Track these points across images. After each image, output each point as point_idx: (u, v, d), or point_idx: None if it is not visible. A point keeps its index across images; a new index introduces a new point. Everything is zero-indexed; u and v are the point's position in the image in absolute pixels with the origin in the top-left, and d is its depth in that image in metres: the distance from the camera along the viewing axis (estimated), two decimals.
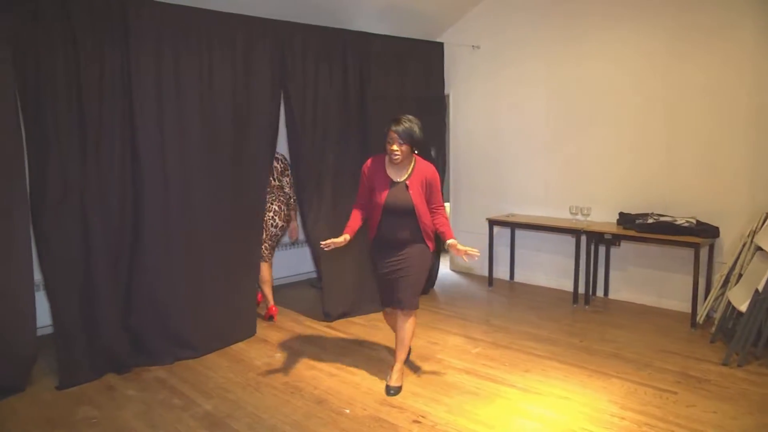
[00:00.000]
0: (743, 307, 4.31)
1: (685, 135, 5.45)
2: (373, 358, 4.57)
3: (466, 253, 3.61)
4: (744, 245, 4.92)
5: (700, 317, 5.12)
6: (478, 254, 3.60)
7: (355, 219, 3.95)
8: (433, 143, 6.40)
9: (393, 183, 3.83)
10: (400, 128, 3.70)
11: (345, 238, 3.81)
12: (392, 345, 4.57)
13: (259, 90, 4.91)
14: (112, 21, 4.09)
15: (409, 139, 3.72)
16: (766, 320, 4.26)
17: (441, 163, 6.53)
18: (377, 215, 3.85)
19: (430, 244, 3.93)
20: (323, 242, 3.74)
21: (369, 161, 3.97)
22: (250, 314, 5.13)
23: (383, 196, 3.80)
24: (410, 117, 3.79)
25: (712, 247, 5.30)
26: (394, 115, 3.81)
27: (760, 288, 4.20)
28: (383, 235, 3.87)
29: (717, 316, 4.95)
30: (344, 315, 5.56)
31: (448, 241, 3.78)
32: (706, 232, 5.13)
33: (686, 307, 5.31)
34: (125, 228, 4.30)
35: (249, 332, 5.07)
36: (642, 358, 4.46)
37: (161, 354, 4.49)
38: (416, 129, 3.75)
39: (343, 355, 4.64)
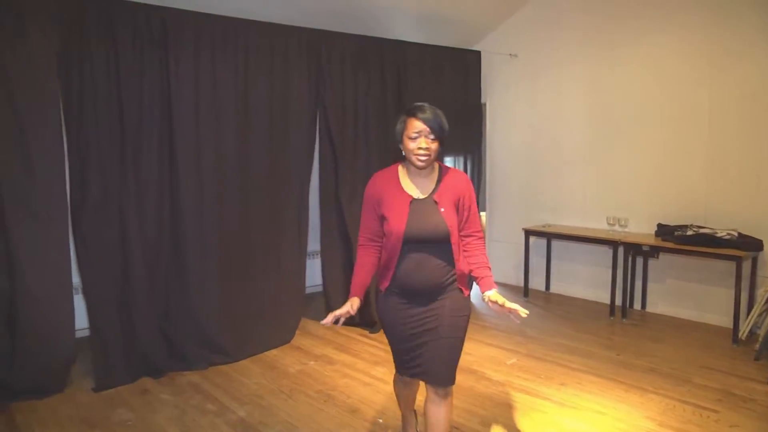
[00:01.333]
0: None
1: (726, 145, 5.33)
2: None
3: (511, 311, 2.61)
4: None
5: (743, 333, 4.97)
6: (527, 314, 2.61)
7: (363, 268, 2.80)
8: (469, 152, 6.37)
9: (414, 201, 2.67)
10: (428, 116, 2.62)
11: (351, 305, 2.69)
12: None
13: (296, 99, 4.99)
14: (152, 33, 4.19)
15: (440, 133, 2.63)
16: None
17: (477, 173, 6.49)
18: (394, 251, 2.65)
19: (466, 290, 2.76)
20: (323, 321, 2.65)
21: (373, 178, 2.82)
22: (287, 322, 5.15)
23: (402, 221, 2.61)
24: (432, 105, 2.74)
25: (755, 261, 5.16)
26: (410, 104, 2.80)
27: None
28: (403, 282, 2.67)
29: (761, 332, 4.80)
30: (376, 323, 5.52)
31: (488, 294, 2.64)
32: (749, 245, 5.00)
33: (727, 322, 5.18)
34: (162, 234, 4.38)
35: (285, 340, 5.09)
36: (681, 373, 4.35)
37: (196, 359, 4.53)
38: (444, 119, 2.69)
39: (377, 363, 4.62)
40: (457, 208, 2.71)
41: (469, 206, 2.75)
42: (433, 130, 2.61)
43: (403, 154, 2.69)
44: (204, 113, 4.46)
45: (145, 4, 4.14)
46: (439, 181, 2.74)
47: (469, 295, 2.80)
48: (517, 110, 7.03)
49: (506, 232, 7.22)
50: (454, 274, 2.69)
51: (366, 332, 5.33)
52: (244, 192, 4.74)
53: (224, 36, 4.53)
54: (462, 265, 2.71)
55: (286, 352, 4.89)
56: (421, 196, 2.69)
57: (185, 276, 4.47)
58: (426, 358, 2.68)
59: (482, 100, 6.92)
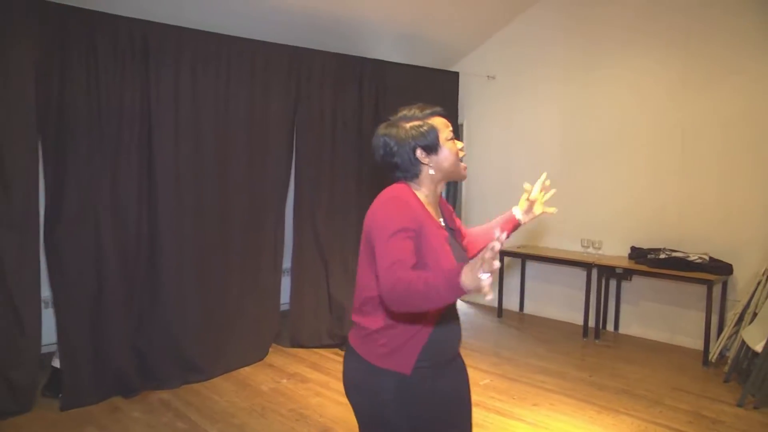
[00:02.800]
0: (759, 347, 4.25)
1: (700, 169, 5.43)
2: None
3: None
4: (759, 283, 4.85)
5: (713, 355, 5.04)
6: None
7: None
8: None
9: (449, 234, 2.05)
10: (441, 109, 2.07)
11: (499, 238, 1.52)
12: None
13: (275, 116, 5.00)
14: (133, 47, 4.17)
15: None
16: None
17: (453, 193, 6.53)
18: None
19: None
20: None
21: (401, 193, 1.95)
22: (261, 339, 5.10)
23: (451, 257, 1.92)
24: None
25: (725, 285, 5.24)
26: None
27: None
28: (442, 342, 1.99)
29: (731, 354, 4.87)
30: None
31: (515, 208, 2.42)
32: (720, 269, 5.08)
33: (699, 344, 5.23)
34: (139, 249, 4.34)
35: (259, 356, 5.03)
36: (653, 395, 4.39)
37: (169, 377, 4.45)
38: None
39: None
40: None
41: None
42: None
43: (427, 169, 2.00)
44: (183, 129, 4.45)
45: (127, 18, 4.12)
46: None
47: None
48: (494, 131, 7.09)
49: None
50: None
51: (339, 351, 5.29)
52: (222, 208, 4.72)
53: (205, 51, 4.53)
54: None
55: (259, 369, 4.84)
56: (443, 224, 2.05)
57: (160, 292, 4.42)
58: None
59: (459, 121, 6.97)
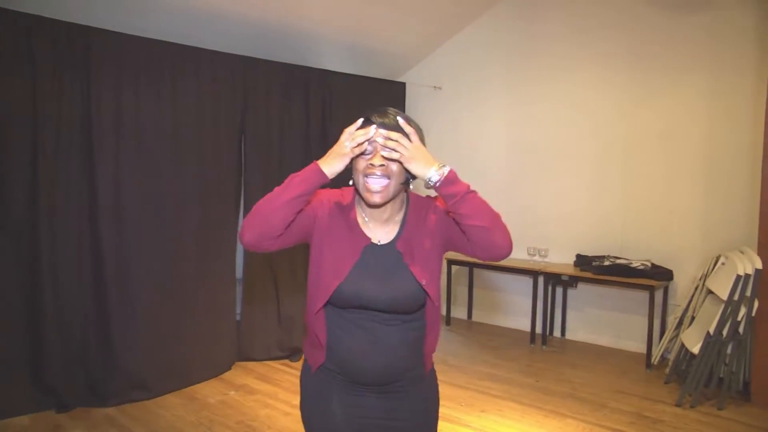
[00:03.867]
0: (696, 349, 4.38)
1: (641, 179, 5.59)
2: None
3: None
4: (696, 288, 5.02)
5: (655, 358, 5.18)
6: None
7: None
8: None
9: (370, 247, 1.86)
10: (389, 121, 1.77)
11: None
12: None
13: (223, 126, 4.93)
14: (74, 52, 4.06)
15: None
16: (718, 362, 4.34)
17: None
18: (321, 315, 1.85)
19: (429, 366, 2.06)
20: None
21: (340, 190, 1.96)
22: (218, 356, 4.98)
23: (343, 272, 1.80)
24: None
25: (666, 290, 5.40)
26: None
27: (712, 330, 4.27)
28: (342, 361, 1.87)
29: (671, 357, 5.02)
30: (298, 351, 5.40)
31: None
32: (661, 275, 5.22)
33: (642, 348, 5.36)
34: (82, 261, 4.20)
35: (216, 373, 4.91)
36: (598, 398, 4.47)
37: (113, 394, 4.28)
38: (421, 134, 1.91)
39: (298, 393, 4.50)
40: (442, 241, 1.92)
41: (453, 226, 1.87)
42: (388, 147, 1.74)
43: (351, 183, 1.85)
44: (127, 138, 4.33)
45: (67, 23, 4.00)
46: (406, 215, 1.93)
47: (431, 370, 2.10)
48: (440, 142, 7.14)
49: None
50: (421, 348, 1.96)
51: (287, 362, 5.24)
52: (170, 220, 4.60)
53: (150, 59, 4.44)
54: (431, 343, 2.00)
55: (207, 382, 4.75)
56: (380, 242, 1.87)
57: (105, 305, 4.28)
58: None
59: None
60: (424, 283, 1.81)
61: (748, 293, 4.23)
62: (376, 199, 1.76)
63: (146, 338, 4.46)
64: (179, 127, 4.64)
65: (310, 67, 5.67)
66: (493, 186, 6.64)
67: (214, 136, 4.87)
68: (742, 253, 4.52)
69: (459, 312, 7.01)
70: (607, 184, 5.79)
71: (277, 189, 1.74)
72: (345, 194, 1.92)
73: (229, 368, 5.03)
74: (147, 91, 4.44)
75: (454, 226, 1.84)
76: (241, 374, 4.94)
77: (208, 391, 4.55)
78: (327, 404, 1.89)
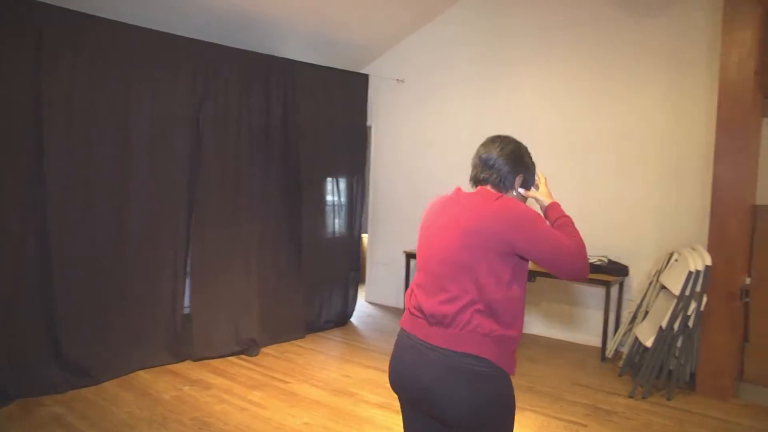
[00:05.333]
0: (649, 343, 4.47)
1: (600, 177, 5.68)
2: (285, 391, 4.44)
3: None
4: (650, 284, 5.13)
5: (610, 352, 5.28)
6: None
7: None
8: (354, 174, 6.43)
9: None
10: None
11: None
12: (306, 376, 4.51)
13: (180, 113, 4.84)
14: (24, 31, 3.92)
15: None
16: (668, 355, 4.44)
17: (360, 196, 6.54)
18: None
19: None
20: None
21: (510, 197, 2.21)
22: (158, 342, 4.88)
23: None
24: None
25: (622, 285, 5.50)
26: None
27: (664, 325, 4.37)
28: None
29: (625, 350, 5.11)
30: (254, 344, 5.36)
31: None
32: (617, 270, 5.31)
33: (598, 342, 5.46)
34: (25, 252, 4.09)
35: (161, 361, 4.85)
36: (555, 391, 4.53)
37: (53, 382, 4.19)
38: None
39: (254, 387, 4.50)
40: None
41: None
42: None
43: (513, 188, 2.23)
44: (79, 121, 4.22)
45: None
46: None
47: None
48: (402, 134, 7.18)
49: (387, 254, 7.30)
50: None
51: (245, 356, 5.19)
52: (120, 207, 4.52)
53: (103, 40, 4.31)
54: None
55: (160, 377, 4.66)
56: None
57: (48, 291, 4.17)
58: None
59: (368, 123, 7.02)
60: None
61: (699, 289, 4.33)
62: None
63: (89, 327, 4.39)
64: (135, 112, 4.56)
65: (273, 56, 5.60)
66: (454, 179, 6.63)
67: (174, 125, 4.78)
68: (693, 250, 4.61)
69: None
70: (567, 181, 5.86)
71: (575, 232, 2.14)
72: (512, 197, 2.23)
73: (179, 360, 4.96)
74: (100, 73, 4.32)
75: None
76: (197, 368, 4.87)
77: (162, 386, 4.47)
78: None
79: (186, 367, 4.88)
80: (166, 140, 4.79)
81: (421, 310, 2.07)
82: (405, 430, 2.21)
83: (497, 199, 2.05)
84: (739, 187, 4.37)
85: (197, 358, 5.03)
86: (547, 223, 2.14)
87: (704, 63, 5.08)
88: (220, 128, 5.14)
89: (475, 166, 2.26)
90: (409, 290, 2.21)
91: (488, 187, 2.17)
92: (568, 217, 2.23)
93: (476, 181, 2.23)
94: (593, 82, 5.71)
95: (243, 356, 5.20)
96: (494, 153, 2.23)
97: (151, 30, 4.62)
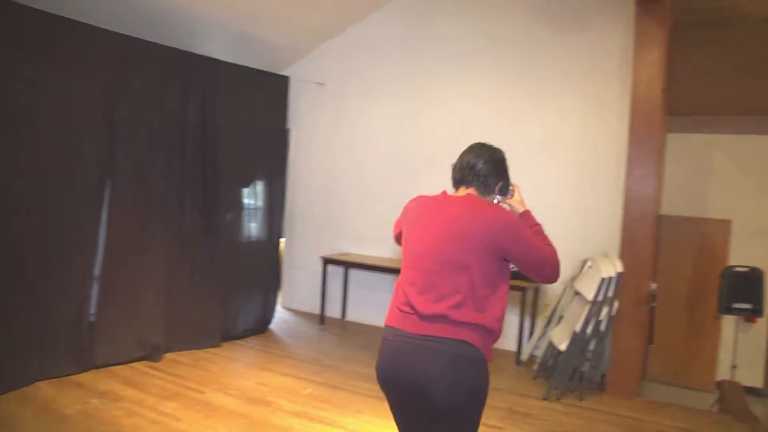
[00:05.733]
0: (563, 346, 4.61)
1: (520, 185, 5.78)
2: (199, 401, 4.25)
3: None
4: (565, 289, 5.30)
5: (525, 356, 5.41)
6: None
7: None
8: (273, 178, 6.30)
9: None
10: None
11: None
12: (221, 385, 4.35)
13: (92, 108, 4.56)
14: None
15: None
16: (581, 358, 4.61)
17: (280, 199, 6.42)
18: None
19: None
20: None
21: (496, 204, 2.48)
22: (59, 347, 4.53)
23: None
24: None
25: (537, 291, 5.65)
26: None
27: (578, 329, 4.53)
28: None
29: (540, 354, 5.25)
30: (159, 349, 5.13)
31: None
32: None
33: (514, 346, 5.57)
34: None
35: (59, 370, 4.51)
36: None
37: None
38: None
39: (167, 398, 4.28)
40: None
41: None
42: None
43: (501, 195, 2.50)
44: None
45: None
46: None
47: None
48: (322, 138, 7.10)
49: (304, 259, 7.19)
50: None
51: (153, 363, 4.95)
52: (26, 207, 4.22)
53: (6, 26, 4.02)
54: None
55: (64, 390, 4.34)
56: None
57: None
58: None
59: (288, 126, 6.90)
60: None
61: (611, 294, 4.51)
62: None
63: None
64: (43, 103, 4.26)
65: (193, 53, 5.40)
66: (373, 185, 6.67)
67: (76, 119, 4.49)
68: (606, 257, 4.80)
69: (333, 311, 6.95)
70: None
71: (546, 239, 2.41)
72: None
73: (84, 369, 4.65)
74: (5, 58, 4.02)
75: None
76: (105, 379, 4.58)
77: (67, 400, 4.17)
78: None
79: (93, 378, 4.57)
80: (75, 136, 4.49)
81: (412, 307, 2.24)
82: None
83: (489, 206, 2.27)
84: (648, 199, 4.60)
85: (99, 365, 4.73)
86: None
87: (617, 80, 5.31)
88: (134, 125, 4.89)
89: (460, 170, 2.45)
90: (397, 288, 2.40)
91: (473, 191, 2.38)
92: (539, 225, 2.43)
93: (460, 183, 2.43)
94: (511, 94, 5.85)
95: (153, 364, 4.94)
96: (480, 160, 2.43)
97: (60, 17, 4.32)
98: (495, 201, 2.41)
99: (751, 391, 5.56)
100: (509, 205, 2.47)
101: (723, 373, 5.83)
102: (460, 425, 2.22)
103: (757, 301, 4.99)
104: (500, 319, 2.25)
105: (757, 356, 6.20)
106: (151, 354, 5.02)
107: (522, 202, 2.47)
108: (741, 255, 5.93)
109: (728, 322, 5.95)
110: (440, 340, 2.14)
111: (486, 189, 2.40)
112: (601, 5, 5.44)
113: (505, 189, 2.48)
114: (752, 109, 5.31)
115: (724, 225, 6.03)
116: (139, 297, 5.01)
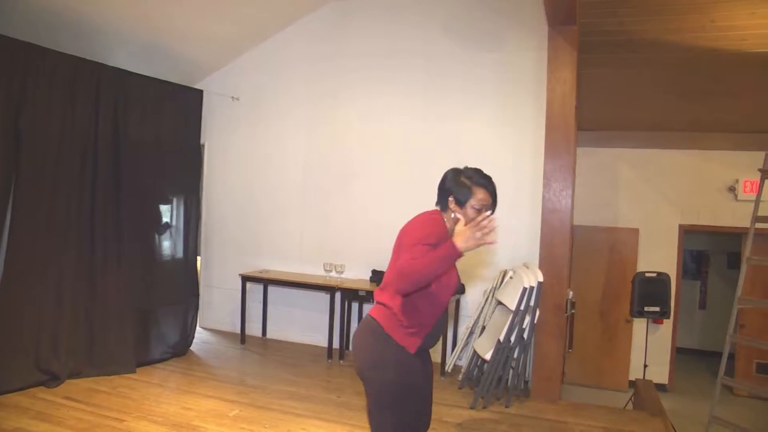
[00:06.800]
0: (488, 356, 4.71)
1: (433, 196, 5.87)
2: (122, 431, 4.02)
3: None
4: (486, 300, 5.41)
5: (449, 366, 5.48)
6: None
7: None
8: (187, 194, 6.12)
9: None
10: (494, 189, 2.82)
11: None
12: (144, 412, 4.17)
13: None
14: None
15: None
16: (505, 366, 4.72)
17: (195, 217, 6.23)
18: (441, 307, 2.66)
19: None
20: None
21: (440, 217, 2.77)
22: None
23: (455, 275, 2.73)
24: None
25: (458, 303, 5.74)
26: (468, 167, 2.94)
27: (502, 338, 4.63)
28: (435, 338, 2.74)
29: (463, 364, 5.33)
30: (74, 375, 4.89)
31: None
32: (459, 288, 5.53)
33: (437, 358, 5.58)
34: None
35: None
36: None
37: None
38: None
39: (86, 431, 3.98)
40: None
41: None
42: (494, 204, 2.76)
43: (450, 209, 2.78)
44: None
45: None
46: None
47: None
48: (237, 154, 6.97)
49: (222, 277, 7.00)
50: None
51: (72, 395, 4.63)
52: None
53: None
54: None
55: None
56: None
57: None
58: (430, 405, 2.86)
59: (201, 141, 6.73)
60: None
61: (532, 303, 4.65)
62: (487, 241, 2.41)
63: None
64: None
65: (102, 64, 5.17)
66: (290, 200, 6.61)
67: None
68: (527, 267, 4.94)
69: (253, 329, 6.78)
70: (402, 202, 6.01)
71: (422, 263, 2.34)
72: (436, 215, 2.80)
73: None
74: None
75: None
76: (13, 415, 4.16)
77: None
78: (421, 375, 2.66)
79: None
80: None
81: None
82: None
83: (421, 214, 2.75)
84: (565, 210, 4.78)
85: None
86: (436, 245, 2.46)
87: (531, 96, 5.53)
88: (39, 137, 4.62)
89: None
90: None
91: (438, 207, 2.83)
92: (441, 253, 2.36)
93: None
94: (427, 108, 5.98)
95: (68, 395, 4.59)
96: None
97: None
98: (452, 216, 2.72)
99: (659, 387, 5.89)
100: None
101: (634, 373, 6.14)
102: (376, 405, 2.60)
103: (665, 304, 5.31)
104: (411, 313, 2.57)
105: (664, 355, 6.58)
106: (49, 381, 4.73)
107: (460, 233, 2.39)
108: (647, 261, 6.29)
109: (638, 324, 6.29)
110: (366, 317, 2.69)
111: (441, 206, 2.87)
112: (515, 25, 5.66)
113: (461, 200, 2.77)
114: (652, 124, 5.67)
115: (633, 233, 6.38)
116: (41, 320, 4.74)
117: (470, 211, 2.67)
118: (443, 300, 2.62)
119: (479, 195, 2.71)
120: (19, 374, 4.59)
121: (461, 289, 5.62)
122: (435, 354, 5.63)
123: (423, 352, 2.67)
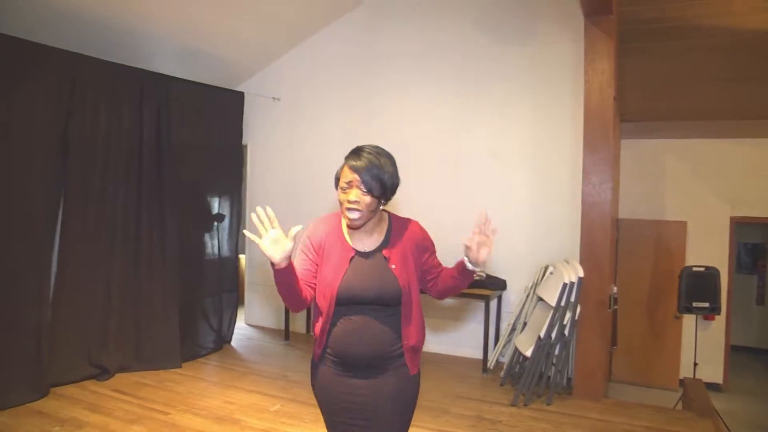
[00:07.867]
0: (528, 352, 4.66)
1: (474, 194, 5.90)
2: (166, 423, 4.17)
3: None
4: (527, 296, 5.36)
5: (491, 363, 5.45)
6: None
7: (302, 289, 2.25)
8: (229, 194, 6.26)
9: (357, 255, 2.30)
10: (361, 165, 2.24)
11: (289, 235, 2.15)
12: (188, 406, 4.29)
13: (40, 127, 4.48)
14: None
15: (375, 187, 2.24)
16: (547, 362, 4.66)
17: (237, 215, 6.37)
18: (327, 314, 2.26)
19: (413, 368, 2.34)
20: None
21: (314, 224, 2.42)
22: (14, 374, 4.39)
23: (337, 278, 2.24)
24: (376, 147, 2.39)
25: (500, 299, 5.71)
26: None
27: (542, 334, 4.57)
28: (337, 350, 2.28)
29: (506, 361, 5.30)
30: (123, 369, 5.12)
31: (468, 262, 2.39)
32: (495, 284, 5.51)
33: (479, 354, 5.62)
34: None
35: (14, 399, 4.36)
36: (439, 405, 4.59)
37: None
38: (389, 166, 2.34)
39: (133, 422, 4.18)
40: (416, 258, 2.38)
41: (430, 248, 2.47)
42: (364, 183, 2.20)
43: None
44: None
45: None
46: (389, 232, 2.38)
47: (417, 372, 2.36)
48: (278, 153, 7.08)
49: (265, 276, 7.14)
50: (401, 346, 2.29)
51: (120, 388, 4.84)
52: None
53: None
54: (410, 337, 2.30)
55: (23, 419, 4.18)
56: (368, 250, 2.31)
57: None
58: None
59: (243, 142, 6.87)
60: (401, 282, 2.26)
61: (573, 299, 4.58)
62: (354, 224, 2.27)
63: None
64: None
65: (146, 70, 5.35)
66: (329, 200, 6.65)
67: (28, 137, 4.42)
68: (567, 263, 4.88)
69: (298, 326, 6.91)
70: (442, 199, 6.02)
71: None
72: (331, 217, 2.43)
73: (41, 396, 4.51)
74: None
75: (427, 259, 2.44)
76: (67, 406, 4.43)
77: (26, 429, 4.01)
78: (329, 385, 2.32)
79: (54, 405, 4.43)
80: (27, 157, 4.42)
81: None
82: None
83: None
84: (605, 204, 4.69)
85: (51, 384, 4.64)
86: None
87: (569, 89, 5.44)
88: (88, 143, 4.85)
89: None
90: None
91: None
92: None
93: None
94: (463, 104, 5.96)
95: (119, 388, 4.83)
96: None
97: (10, 37, 4.26)
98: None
99: (712, 386, 5.70)
100: None
101: (685, 371, 5.96)
102: None
103: (715, 300, 5.13)
104: (317, 324, 2.34)
105: (717, 353, 6.36)
106: (100, 374, 4.97)
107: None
108: (697, 255, 6.10)
109: (688, 320, 6.10)
110: None
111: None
112: (550, 17, 5.59)
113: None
114: (698, 114, 5.49)
115: (681, 226, 6.20)
116: (92, 318, 4.97)
117: (338, 193, 2.30)
118: (321, 309, 2.25)
119: (344, 172, 2.29)
120: (73, 368, 4.86)
121: (501, 285, 5.57)
122: (477, 351, 5.67)
123: (337, 365, 2.28)
